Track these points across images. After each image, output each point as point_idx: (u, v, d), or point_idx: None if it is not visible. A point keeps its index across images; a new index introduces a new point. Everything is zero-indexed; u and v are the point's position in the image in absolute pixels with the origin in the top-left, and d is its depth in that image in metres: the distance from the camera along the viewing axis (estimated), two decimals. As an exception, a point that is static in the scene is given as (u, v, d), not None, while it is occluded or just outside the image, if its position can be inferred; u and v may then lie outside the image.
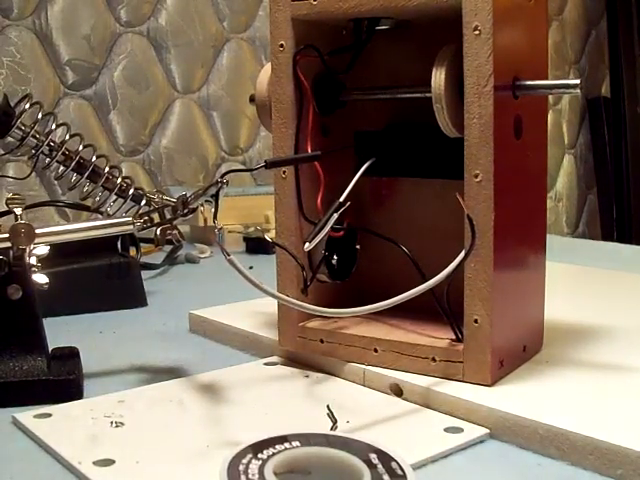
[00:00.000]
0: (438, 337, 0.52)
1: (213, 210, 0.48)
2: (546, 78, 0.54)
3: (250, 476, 0.35)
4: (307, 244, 0.52)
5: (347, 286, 0.59)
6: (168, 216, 0.65)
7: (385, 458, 0.37)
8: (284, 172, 0.55)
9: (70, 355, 0.56)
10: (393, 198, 0.60)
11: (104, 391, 0.52)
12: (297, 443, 0.38)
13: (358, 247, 0.59)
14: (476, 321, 0.49)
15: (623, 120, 2.16)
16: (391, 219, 0.60)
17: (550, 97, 1.76)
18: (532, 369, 0.52)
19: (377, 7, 0.51)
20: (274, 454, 0.37)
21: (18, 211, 0.55)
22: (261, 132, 1.54)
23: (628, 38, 2.15)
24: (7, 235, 0.53)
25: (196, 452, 0.43)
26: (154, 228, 0.64)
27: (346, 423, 0.46)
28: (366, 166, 0.55)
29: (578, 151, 2.17)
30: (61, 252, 0.59)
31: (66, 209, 1.26)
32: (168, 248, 1.01)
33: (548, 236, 0.57)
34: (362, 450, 0.38)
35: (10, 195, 0.56)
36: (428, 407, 0.48)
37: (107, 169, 0.77)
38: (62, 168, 0.76)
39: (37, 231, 0.54)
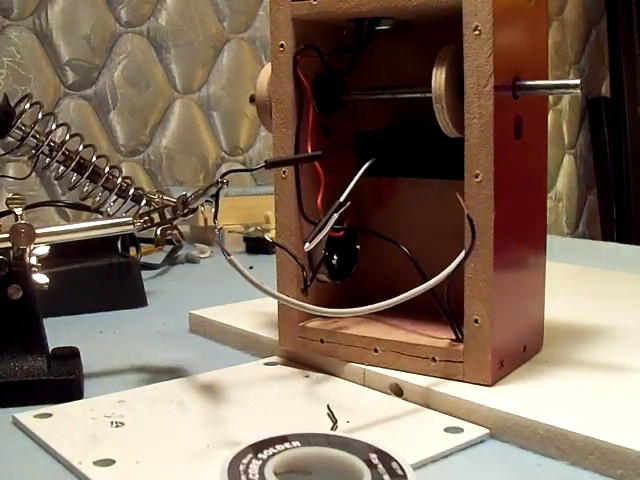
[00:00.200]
0: (438, 337, 0.52)
1: (213, 210, 0.48)
2: (546, 78, 0.54)
3: (250, 476, 0.35)
4: (307, 244, 0.52)
5: (347, 286, 0.59)
6: (168, 216, 0.66)
7: (385, 458, 0.37)
8: (284, 172, 0.55)
9: (70, 355, 0.56)
10: (393, 198, 0.60)
11: (104, 391, 0.52)
12: (297, 443, 0.38)
13: (358, 247, 0.59)
14: (476, 321, 0.49)
15: (623, 120, 2.15)
16: (391, 219, 0.60)
17: (550, 97, 1.75)
18: (532, 369, 0.52)
19: (377, 7, 0.51)
20: (274, 454, 0.37)
21: (18, 211, 0.55)
22: (261, 132, 1.54)
23: (628, 38, 2.15)
24: (7, 235, 0.53)
25: (196, 452, 0.42)
26: (154, 228, 0.64)
27: (346, 423, 0.46)
28: (366, 166, 0.55)
29: (578, 151, 2.17)
30: (61, 252, 0.59)
31: (66, 209, 1.25)
32: (168, 248, 1.01)
33: (548, 236, 0.57)
34: (362, 450, 0.38)
35: (10, 195, 0.56)
36: (428, 407, 0.48)
37: (107, 169, 0.77)
38: (62, 168, 0.76)
39: (37, 231, 0.54)
